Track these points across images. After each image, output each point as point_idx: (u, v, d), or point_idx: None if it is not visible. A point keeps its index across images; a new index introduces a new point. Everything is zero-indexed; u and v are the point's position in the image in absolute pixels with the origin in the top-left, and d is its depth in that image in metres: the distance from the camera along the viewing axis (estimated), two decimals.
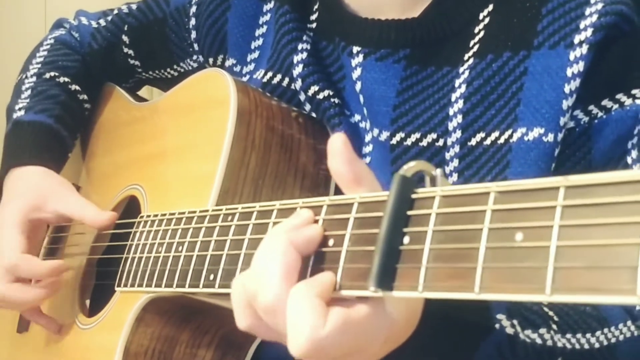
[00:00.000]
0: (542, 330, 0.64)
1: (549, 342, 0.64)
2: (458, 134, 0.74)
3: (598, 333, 0.66)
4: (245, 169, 0.76)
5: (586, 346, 0.65)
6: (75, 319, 0.91)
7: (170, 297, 0.76)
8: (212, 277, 0.65)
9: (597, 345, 0.66)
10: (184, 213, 0.73)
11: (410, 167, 0.49)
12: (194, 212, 0.72)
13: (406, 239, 0.47)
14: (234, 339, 0.81)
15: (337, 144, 0.52)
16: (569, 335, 0.65)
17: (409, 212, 0.47)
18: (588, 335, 0.66)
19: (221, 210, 0.67)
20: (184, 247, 0.70)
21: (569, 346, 0.64)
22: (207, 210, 0.70)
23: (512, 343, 0.62)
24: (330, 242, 0.53)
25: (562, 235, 0.38)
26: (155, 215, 0.79)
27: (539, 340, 0.64)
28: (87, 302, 0.93)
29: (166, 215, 0.76)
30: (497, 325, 0.62)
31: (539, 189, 0.40)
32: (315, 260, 0.53)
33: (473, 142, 0.73)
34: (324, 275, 0.51)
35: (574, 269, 0.37)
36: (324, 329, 0.48)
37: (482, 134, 0.73)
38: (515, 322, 0.63)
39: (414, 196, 0.48)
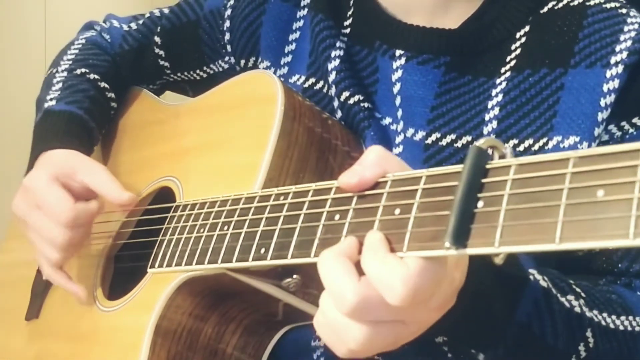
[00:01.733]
0: (570, 297, 0.69)
1: (577, 309, 0.68)
2: None
3: (622, 318, 0.71)
4: (289, 161, 0.80)
5: (611, 325, 0.70)
6: (95, 303, 0.92)
7: (204, 278, 0.78)
8: (263, 250, 0.67)
9: (621, 327, 0.71)
10: (229, 196, 0.76)
11: (482, 143, 0.54)
12: (241, 194, 0.74)
13: (480, 203, 0.51)
14: (256, 330, 0.84)
15: None
16: (595, 312, 0.70)
17: (484, 180, 0.52)
18: (613, 317, 0.71)
19: (273, 191, 0.70)
20: (230, 225, 0.73)
21: (596, 320, 0.69)
22: (255, 193, 0.73)
23: (548, 296, 0.67)
24: (397, 211, 0.57)
25: None
26: (196, 200, 0.81)
27: (567, 305, 0.68)
28: (107, 287, 0.95)
29: (208, 199, 0.79)
30: (531, 277, 0.66)
31: (619, 152, 0.44)
32: (380, 227, 0.57)
33: None
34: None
35: None
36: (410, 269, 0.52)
37: (515, 141, 0.79)
38: (545, 277, 0.67)
39: (488, 166, 0.52)
